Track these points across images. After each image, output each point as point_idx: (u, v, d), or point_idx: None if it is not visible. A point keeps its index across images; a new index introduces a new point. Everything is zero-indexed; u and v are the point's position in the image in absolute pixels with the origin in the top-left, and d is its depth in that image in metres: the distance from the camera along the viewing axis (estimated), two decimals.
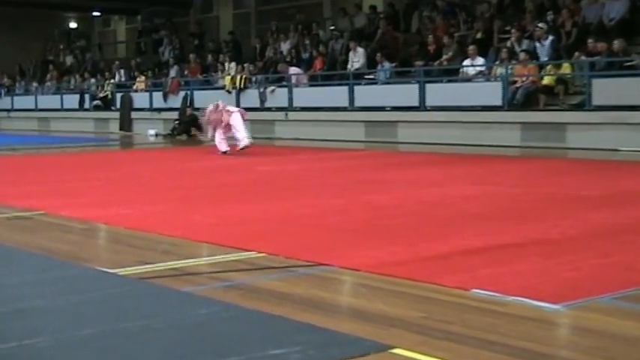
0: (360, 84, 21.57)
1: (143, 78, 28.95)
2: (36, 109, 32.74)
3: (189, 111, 24.39)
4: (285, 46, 26.03)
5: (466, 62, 19.74)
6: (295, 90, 22.90)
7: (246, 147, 16.51)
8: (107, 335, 4.16)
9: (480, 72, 19.64)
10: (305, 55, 24.88)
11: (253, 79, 24.57)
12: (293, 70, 23.55)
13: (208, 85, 26.42)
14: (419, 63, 20.92)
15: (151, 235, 7.29)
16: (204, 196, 10.12)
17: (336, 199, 9.41)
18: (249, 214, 8.37)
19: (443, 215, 8.09)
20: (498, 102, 18.25)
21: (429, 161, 14.76)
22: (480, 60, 19.47)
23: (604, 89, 16.74)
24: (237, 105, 23.74)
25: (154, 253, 6.47)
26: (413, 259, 5.95)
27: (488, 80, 19.39)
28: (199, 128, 18.93)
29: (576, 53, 18.18)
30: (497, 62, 19.40)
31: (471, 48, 19.57)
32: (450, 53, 20.54)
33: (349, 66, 22.50)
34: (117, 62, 32.07)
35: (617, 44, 17.15)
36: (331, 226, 7.54)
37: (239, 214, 8.39)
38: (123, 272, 5.70)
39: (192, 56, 28.22)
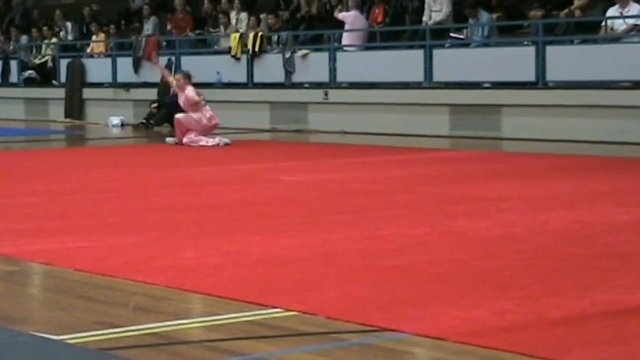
0: (442, 46, 21.59)
1: (102, 36, 29.19)
2: None
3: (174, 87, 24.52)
4: None
5: (611, 12, 19.65)
6: (341, 55, 22.91)
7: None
8: None
9: (635, 27, 19.53)
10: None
11: (274, 38, 24.67)
12: (349, 15, 23.26)
13: (204, 47, 26.56)
14: (535, 13, 20.86)
15: (117, 281, 7.30)
16: (200, 221, 10.14)
17: (406, 228, 9.39)
18: (272, 251, 8.37)
19: (578, 254, 8.04)
20: None
21: (554, 168, 14.72)
22: (636, 8, 19.36)
23: None
24: (251, 79, 23.89)
25: (123, 309, 6.49)
26: (533, 322, 5.91)
27: None
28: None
29: None
30: None
31: None
32: None
33: (425, 18, 22.51)
34: (60, 11, 32.36)
35: None
36: (401, 270, 7.52)
37: (255, 250, 8.40)
38: (75, 339, 5.72)
39: (178, 3, 28.39)
